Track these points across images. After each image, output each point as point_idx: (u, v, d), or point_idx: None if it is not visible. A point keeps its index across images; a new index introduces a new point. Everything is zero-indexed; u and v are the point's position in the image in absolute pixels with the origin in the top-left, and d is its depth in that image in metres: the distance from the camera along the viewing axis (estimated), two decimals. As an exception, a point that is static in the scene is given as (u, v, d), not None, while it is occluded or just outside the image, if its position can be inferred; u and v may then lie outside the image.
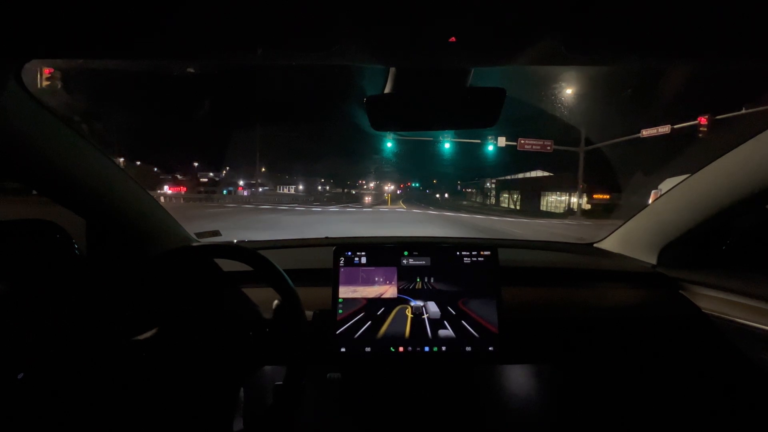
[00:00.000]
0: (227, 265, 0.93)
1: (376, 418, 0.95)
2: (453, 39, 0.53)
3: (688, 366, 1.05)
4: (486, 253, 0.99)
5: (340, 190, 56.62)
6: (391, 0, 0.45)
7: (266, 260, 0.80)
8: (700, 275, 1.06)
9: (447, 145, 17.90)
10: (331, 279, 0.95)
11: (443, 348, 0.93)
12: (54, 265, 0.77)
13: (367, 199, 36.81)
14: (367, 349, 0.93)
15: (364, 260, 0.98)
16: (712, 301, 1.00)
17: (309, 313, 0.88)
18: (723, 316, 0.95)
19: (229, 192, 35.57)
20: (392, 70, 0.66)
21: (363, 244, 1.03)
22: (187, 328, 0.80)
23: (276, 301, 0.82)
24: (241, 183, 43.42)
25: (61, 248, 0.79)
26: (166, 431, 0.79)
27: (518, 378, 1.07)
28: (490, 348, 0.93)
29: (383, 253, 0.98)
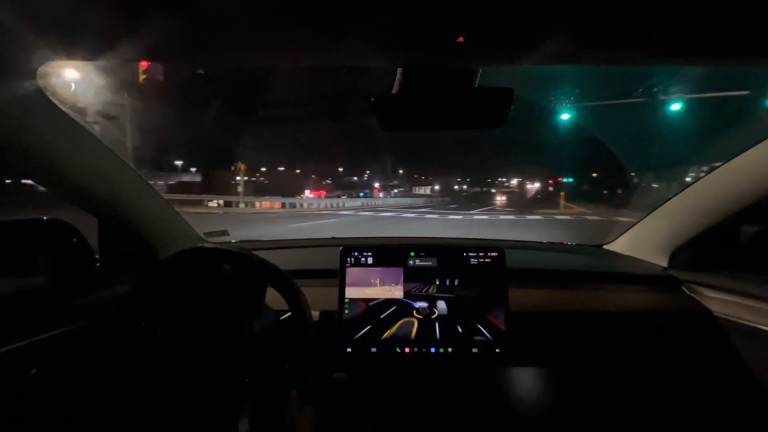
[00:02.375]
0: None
1: (381, 418, 0.94)
2: (461, 39, 0.53)
3: (699, 370, 1.02)
4: (493, 254, 0.98)
5: (478, 189, 50.21)
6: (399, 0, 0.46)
7: (265, 262, 0.81)
8: (712, 278, 1.06)
9: (676, 106, 10.30)
10: (338, 279, 0.98)
11: (450, 349, 0.93)
12: (65, 259, 0.85)
13: (499, 200, 29.12)
14: (373, 350, 0.95)
15: (370, 261, 0.99)
16: (725, 305, 0.99)
17: (315, 313, 0.91)
18: (735, 319, 0.95)
19: (365, 194, 34.50)
20: (399, 69, 0.68)
21: (369, 245, 1.02)
22: (193, 327, 0.80)
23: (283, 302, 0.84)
24: (376, 185, 42.95)
25: (71, 244, 0.86)
26: (173, 430, 0.82)
27: (526, 380, 1.04)
28: (497, 350, 0.93)
29: (390, 253, 0.99)
